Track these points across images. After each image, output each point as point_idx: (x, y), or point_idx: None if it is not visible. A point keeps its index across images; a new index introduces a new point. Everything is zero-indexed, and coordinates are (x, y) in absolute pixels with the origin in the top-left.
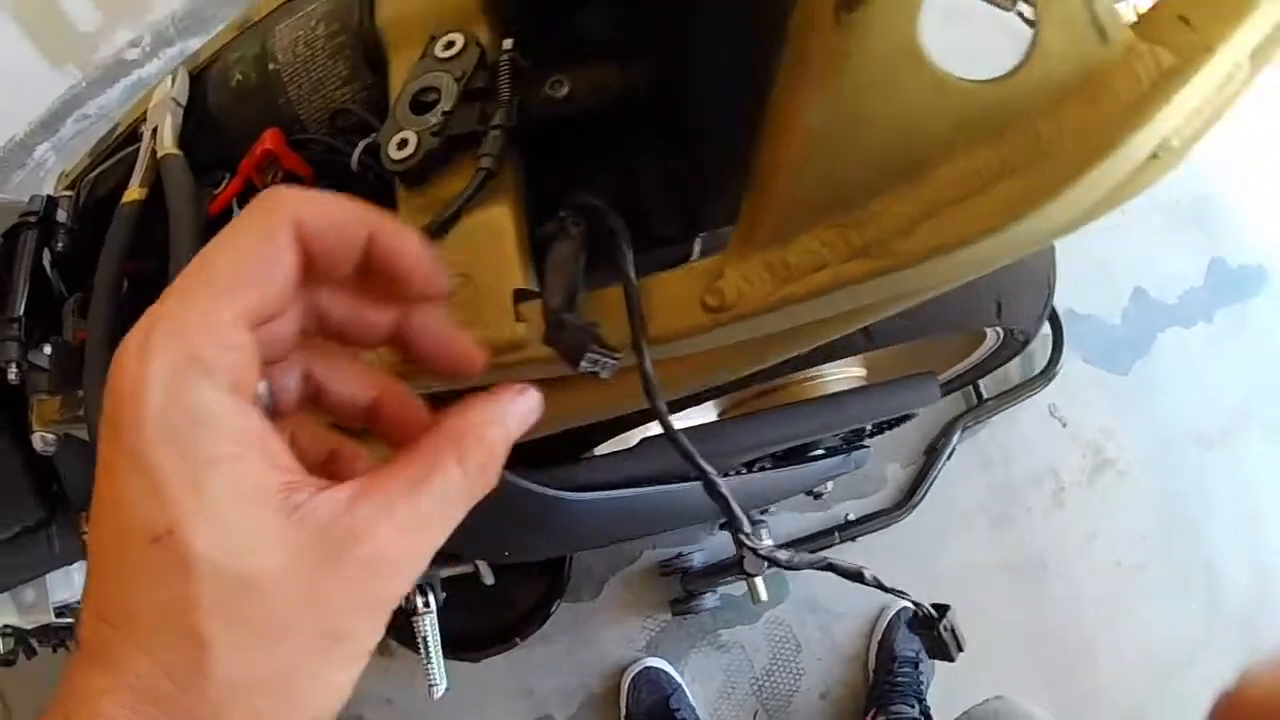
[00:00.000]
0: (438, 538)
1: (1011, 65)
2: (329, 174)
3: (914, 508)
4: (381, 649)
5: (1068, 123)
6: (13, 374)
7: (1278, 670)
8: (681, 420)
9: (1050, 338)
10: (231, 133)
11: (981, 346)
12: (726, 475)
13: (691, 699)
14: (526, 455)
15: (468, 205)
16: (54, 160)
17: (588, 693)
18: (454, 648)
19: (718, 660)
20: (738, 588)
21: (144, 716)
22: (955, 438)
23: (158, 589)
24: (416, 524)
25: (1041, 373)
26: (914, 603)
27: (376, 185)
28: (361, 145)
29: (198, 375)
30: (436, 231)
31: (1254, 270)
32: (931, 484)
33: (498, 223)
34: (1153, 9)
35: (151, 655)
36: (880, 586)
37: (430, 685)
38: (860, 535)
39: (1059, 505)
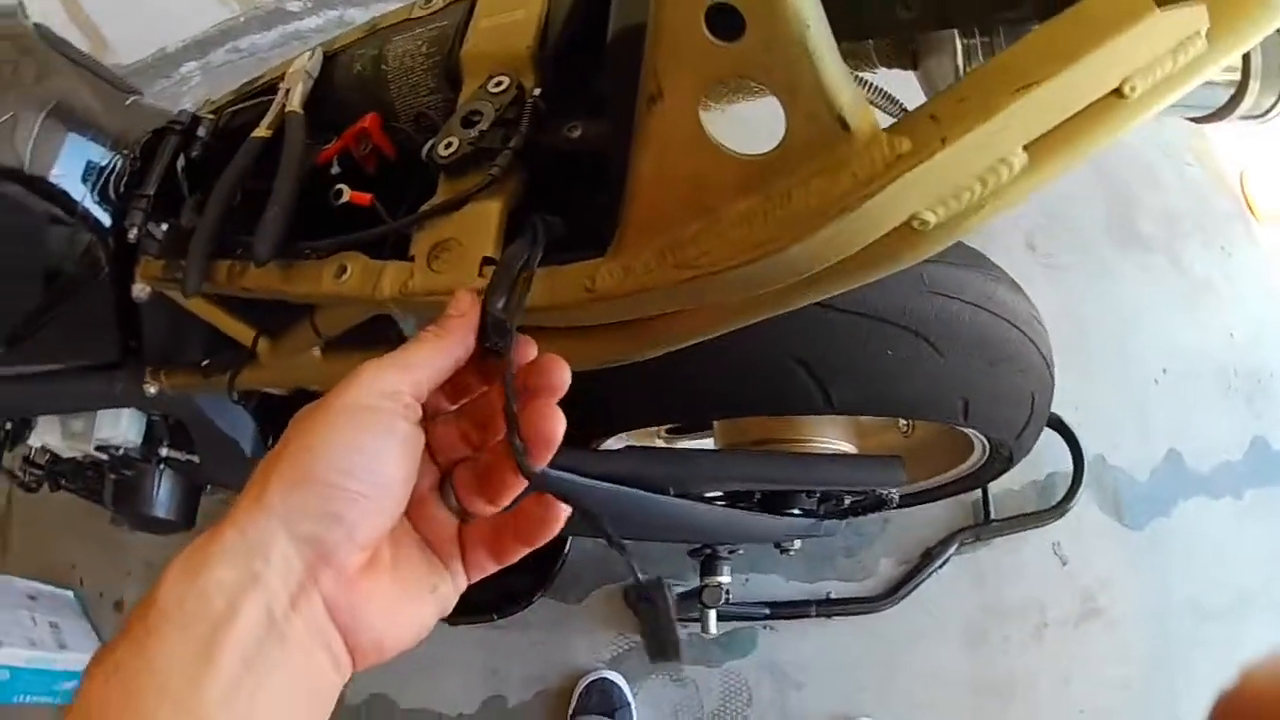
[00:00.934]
0: (405, 355)
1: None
2: (405, 157)
3: (895, 603)
4: None
5: (812, 190)
6: (132, 234)
7: (1277, 668)
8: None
9: (1070, 475)
10: (343, 107)
11: (971, 457)
12: (705, 500)
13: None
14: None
15: (475, 195)
16: (199, 79)
17: (545, 686)
18: None
19: (671, 692)
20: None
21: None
22: (952, 549)
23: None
24: (389, 361)
25: (1051, 507)
26: (633, 569)
27: (431, 172)
28: (430, 143)
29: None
30: (451, 207)
31: None
32: (917, 585)
33: (490, 211)
34: (913, 110)
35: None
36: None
37: None
38: (836, 614)
39: (1038, 640)
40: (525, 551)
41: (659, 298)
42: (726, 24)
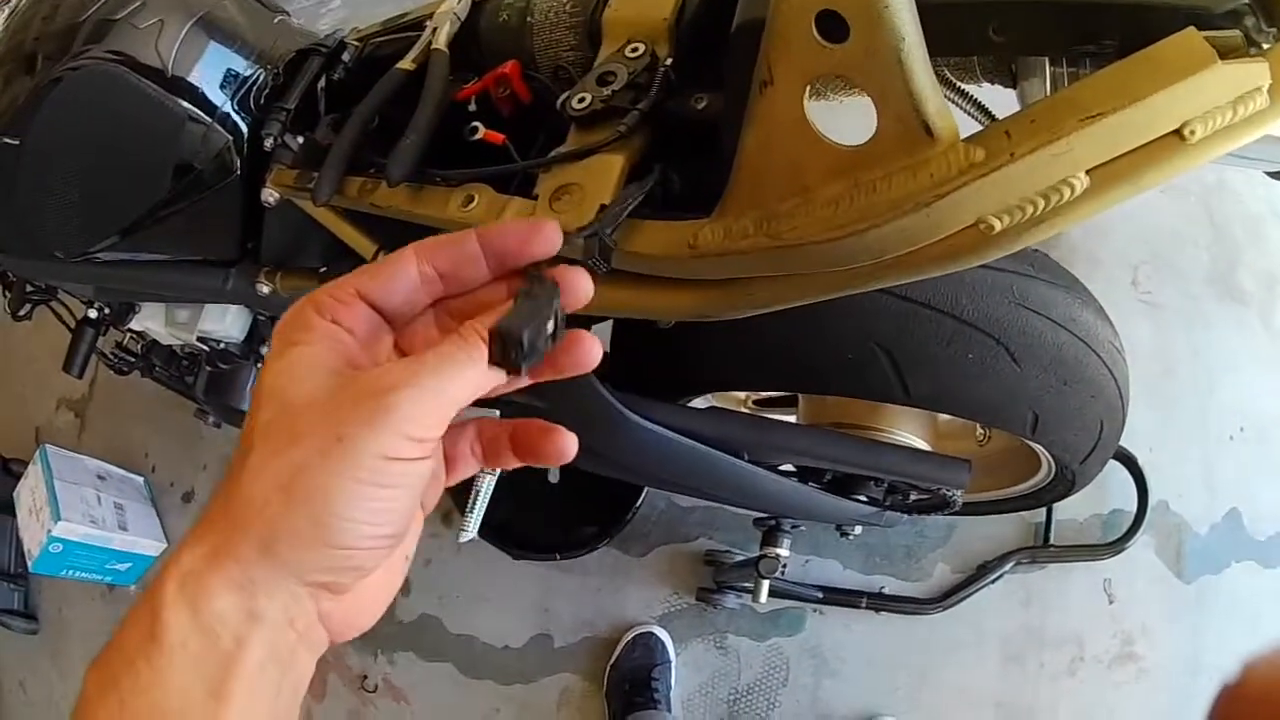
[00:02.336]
0: (432, 375)
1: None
2: (539, 104)
3: (943, 609)
4: (444, 520)
5: (895, 184)
6: (268, 143)
7: (1278, 663)
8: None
9: (1134, 515)
10: (486, 51)
11: (1036, 475)
12: (776, 470)
13: (673, 679)
14: (627, 380)
15: (602, 148)
16: (339, 4)
17: (593, 632)
18: (503, 538)
19: (713, 658)
20: (761, 604)
21: (204, 522)
22: (1007, 566)
23: (245, 424)
24: (413, 363)
25: (1109, 543)
26: None
27: (562, 124)
28: (565, 95)
29: (311, 306)
30: (580, 155)
31: None
32: (968, 596)
33: (613, 164)
34: (992, 124)
35: (224, 478)
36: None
37: (462, 530)
38: (884, 610)
39: (1071, 674)
40: (516, 464)
41: (750, 261)
42: (833, 28)
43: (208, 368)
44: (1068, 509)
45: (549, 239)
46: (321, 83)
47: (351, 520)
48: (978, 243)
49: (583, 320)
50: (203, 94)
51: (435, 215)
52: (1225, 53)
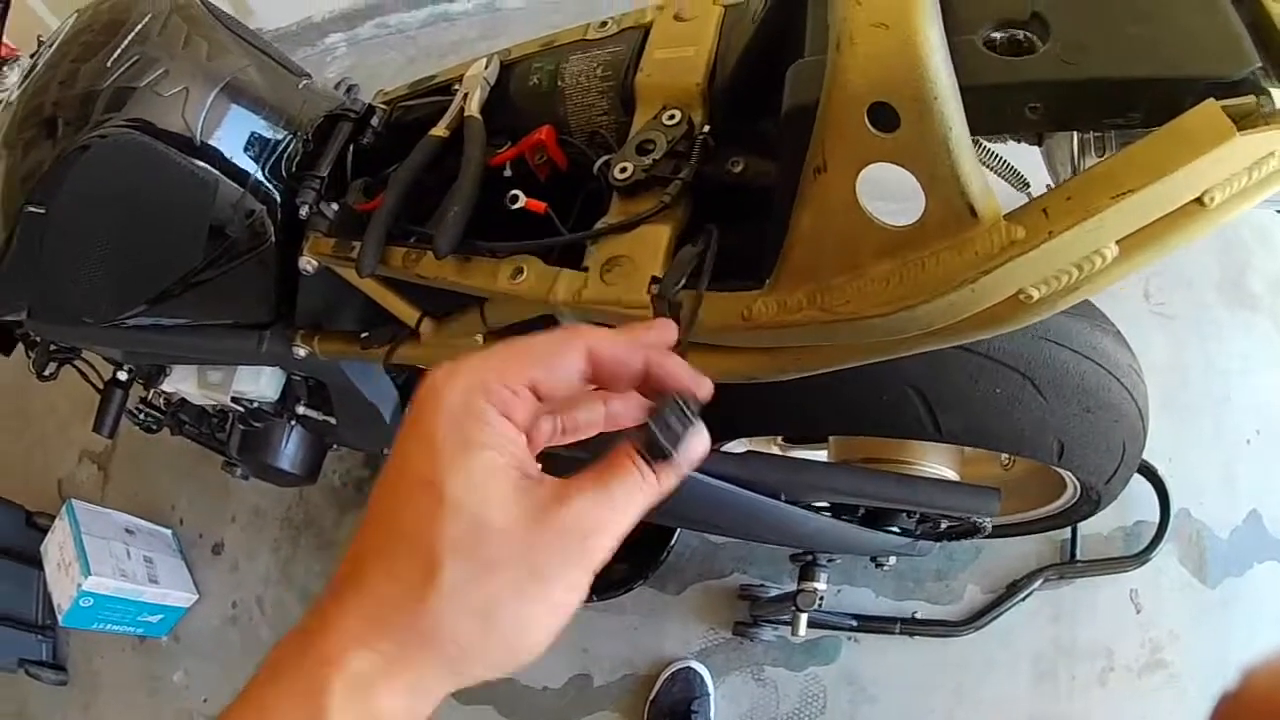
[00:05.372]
0: (620, 513)
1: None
2: (575, 169)
3: (975, 629)
4: None
5: (942, 262)
6: (303, 212)
7: (1278, 669)
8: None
9: (1156, 525)
10: (518, 115)
11: (1062, 497)
12: (811, 508)
13: (712, 712)
14: None
15: (647, 219)
16: (344, 51)
17: (632, 670)
18: None
19: (751, 690)
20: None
21: (376, 623)
22: (1036, 584)
23: (414, 521)
24: (604, 500)
25: (1134, 555)
26: None
27: (599, 189)
28: (602, 160)
29: (484, 396)
30: (625, 228)
31: None
32: (999, 615)
33: (660, 234)
34: (1030, 202)
35: (393, 575)
36: None
37: None
38: (917, 634)
39: (1102, 684)
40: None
41: (802, 333)
42: (885, 118)
43: (240, 426)
44: (1092, 524)
45: (706, 388)
46: (351, 148)
47: (539, 643)
48: (1016, 311)
49: None
50: (233, 162)
51: (484, 287)
52: (1241, 119)
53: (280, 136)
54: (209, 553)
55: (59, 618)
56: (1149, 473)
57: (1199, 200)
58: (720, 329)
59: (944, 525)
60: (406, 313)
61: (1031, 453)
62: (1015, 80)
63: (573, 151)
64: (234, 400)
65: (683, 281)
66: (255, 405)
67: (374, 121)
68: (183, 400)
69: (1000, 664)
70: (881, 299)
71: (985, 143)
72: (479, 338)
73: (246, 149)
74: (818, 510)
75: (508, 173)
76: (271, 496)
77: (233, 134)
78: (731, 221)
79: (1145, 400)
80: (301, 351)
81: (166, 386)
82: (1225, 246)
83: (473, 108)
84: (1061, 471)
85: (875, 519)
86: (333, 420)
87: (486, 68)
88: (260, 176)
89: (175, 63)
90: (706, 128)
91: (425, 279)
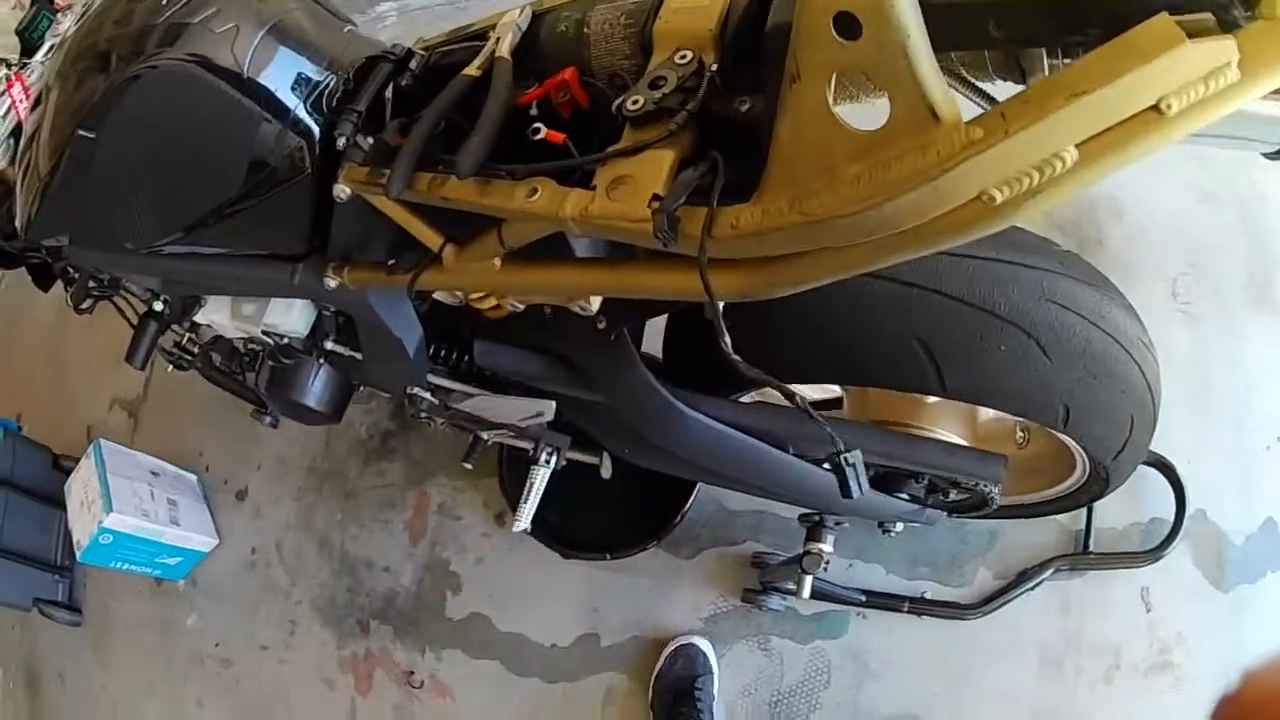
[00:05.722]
0: None
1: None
2: (596, 108)
3: (983, 614)
4: (497, 520)
5: (906, 162)
6: (341, 142)
7: (1278, 672)
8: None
9: (1171, 523)
10: (546, 60)
11: (1072, 475)
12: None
13: (715, 688)
14: (681, 377)
15: (653, 144)
16: (394, 19)
17: (640, 633)
18: (554, 537)
19: (756, 660)
20: (805, 606)
21: None
22: (1047, 573)
23: None
24: None
25: (1147, 551)
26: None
27: (617, 124)
28: (620, 99)
29: None
30: (634, 150)
31: None
32: (1008, 602)
33: (664, 158)
34: (992, 108)
35: None
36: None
37: (517, 520)
38: (925, 614)
39: (1108, 681)
40: None
41: (785, 237)
42: (849, 27)
43: (270, 363)
44: (1107, 518)
45: None
46: (389, 88)
47: None
48: (982, 214)
49: (643, 309)
50: (277, 96)
51: (502, 206)
52: (1197, 34)
53: (322, 76)
54: (233, 498)
55: (78, 554)
56: (1166, 469)
57: (1156, 109)
58: (715, 239)
59: (952, 495)
60: (431, 238)
61: (1037, 414)
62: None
63: (594, 92)
64: (265, 333)
65: (683, 198)
66: (285, 340)
67: (412, 65)
68: (215, 338)
69: (1006, 651)
70: (851, 198)
71: (973, 80)
72: (496, 261)
73: (289, 85)
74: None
75: (534, 112)
76: (298, 446)
77: (278, 71)
78: (737, 155)
79: (1156, 377)
80: (332, 282)
81: (200, 318)
82: (1254, 250)
83: (503, 50)
84: (1070, 443)
85: (884, 483)
86: (359, 356)
87: (520, 14)
88: (301, 111)
89: (227, 3)
90: (715, 66)
91: (449, 201)
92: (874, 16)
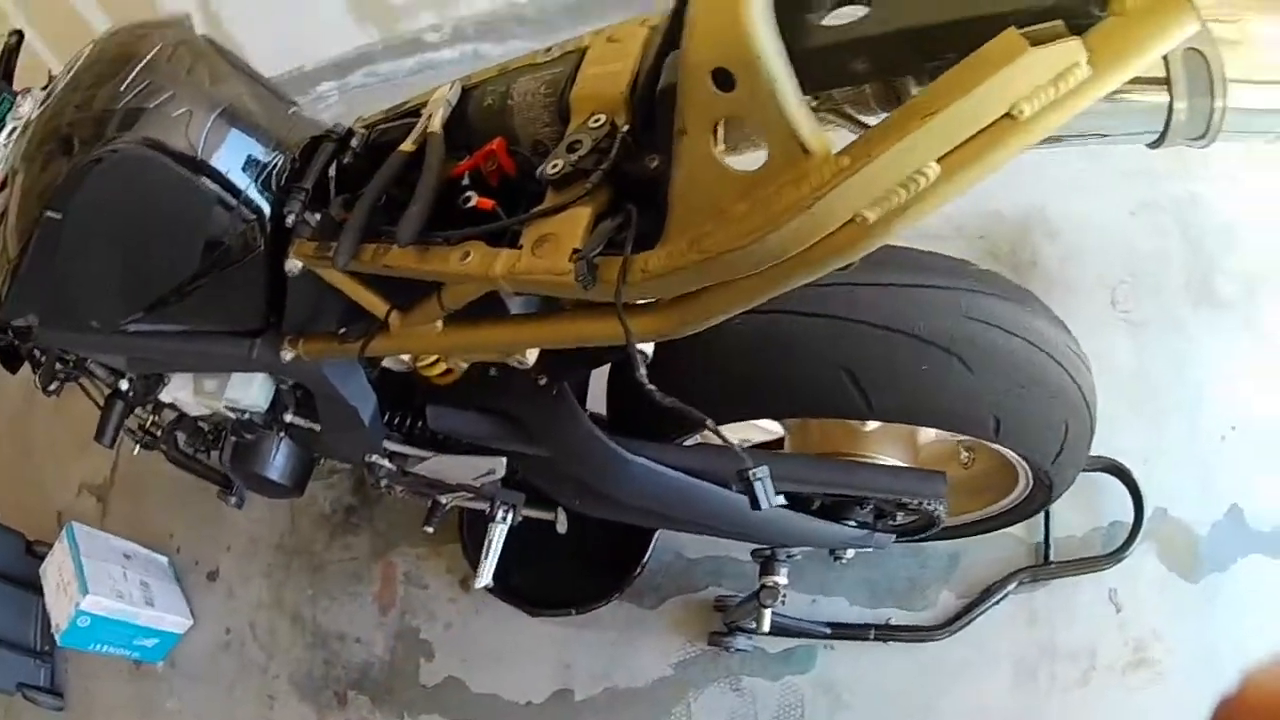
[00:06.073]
0: None
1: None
2: (522, 175)
3: (950, 633)
4: (462, 584)
5: (784, 195)
6: (290, 219)
7: (1278, 673)
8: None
9: (1131, 525)
10: (475, 132)
11: (1017, 488)
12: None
13: None
14: (625, 424)
15: (572, 203)
16: (336, 99)
17: (612, 684)
18: (519, 596)
19: (729, 701)
20: (772, 644)
21: None
22: (1010, 587)
23: None
24: None
25: (1109, 554)
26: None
27: (541, 189)
28: (543, 164)
29: None
30: (554, 210)
31: None
32: (973, 619)
33: (581, 215)
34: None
35: None
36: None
37: (478, 578)
38: (892, 639)
39: (1084, 684)
40: None
41: (689, 276)
42: (725, 80)
43: (233, 438)
44: (1066, 527)
45: None
46: (333, 166)
47: None
48: (858, 235)
49: (580, 361)
50: (229, 177)
51: (439, 270)
52: (1047, 41)
53: (270, 156)
54: (204, 579)
55: (57, 638)
56: (1119, 472)
57: (1009, 115)
58: (629, 284)
59: (900, 517)
60: (378, 305)
61: (968, 428)
62: (842, 40)
63: (520, 159)
64: (227, 409)
65: (599, 249)
66: (246, 415)
67: (353, 143)
68: (179, 417)
69: (978, 667)
70: (740, 233)
71: (857, 116)
72: (438, 324)
73: (242, 166)
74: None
75: (465, 182)
76: (265, 524)
77: (230, 153)
78: (650, 207)
79: (1088, 382)
80: (289, 355)
81: (165, 396)
82: (1192, 251)
83: (435, 125)
84: (1008, 454)
85: (831, 511)
86: (318, 428)
87: (450, 90)
88: (252, 191)
89: (181, 88)
90: (626, 127)
91: (392, 269)
92: (745, 69)
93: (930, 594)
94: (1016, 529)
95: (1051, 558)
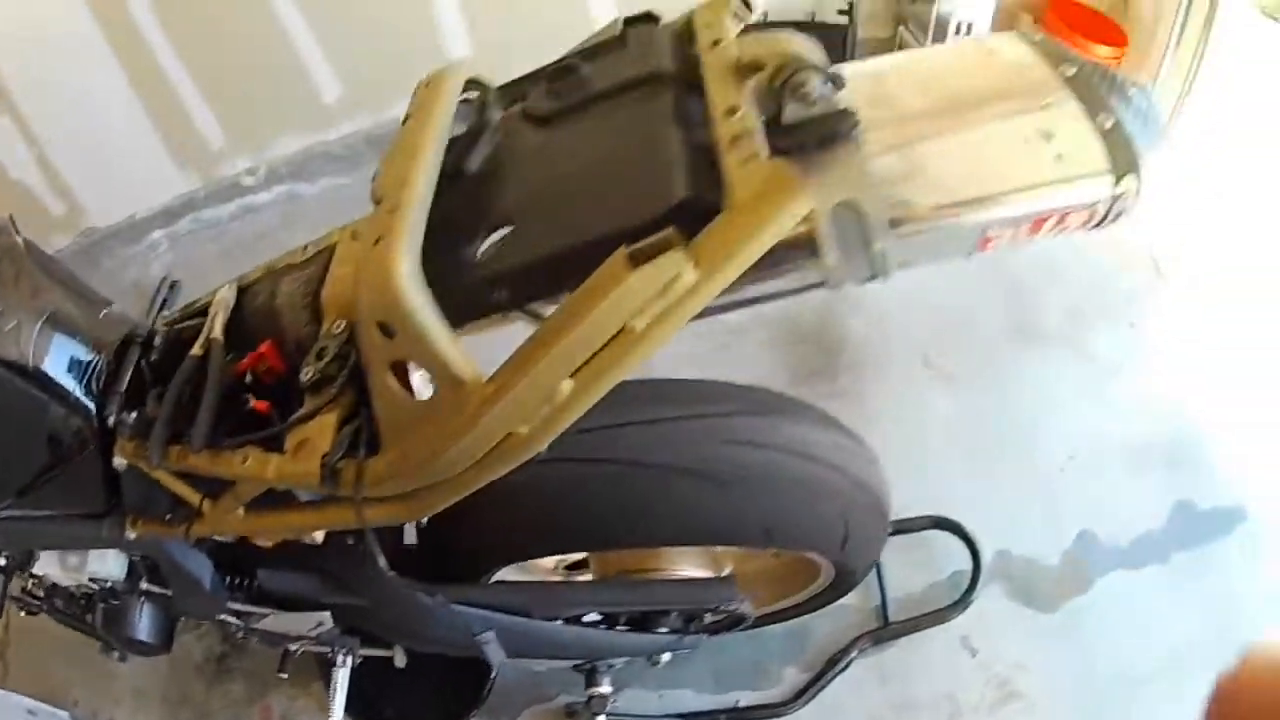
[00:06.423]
0: None
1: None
2: (293, 373)
3: (800, 706)
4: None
5: (448, 419)
6: (111, 420)
7: (1275, 656)
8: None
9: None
10: (252, 332)
11: (820, 575)
12: (578, 623)
13: None
14: (430, 569)
15: (322, 410)
16: (166, 246)
17: None
18: None
19: None
20: None
21: None
22: (853, 654)
23: None
24: None
25: (950, 605)
26: None
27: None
28: (306, 368)
29: None
30: (308, 418)
31: (1227, 511)
32: (821, 689)
33: (329, 421)
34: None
35: None
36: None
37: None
38: None
39: None
40: None
41: (405, 479)
42: (388, 330)
43: (101, 604)
44: (903, 583)
45: None
46: (144, 364)
47: None
48: (517, 445)
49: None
50: (58, 382)
51: (227, 471)
52: (660, 252)
53: (90, 358)
54: None
55: None
56: (948, 525)
57: (624, 330)
58: (366, 484)
59: (708, 619)
60: (191, 495)
61: (739, 541)
62: (481, 277)
63: (291, 359)
64: (91, 580)
65: (339, 456)
66: (109, 584)
67: (156, 343)
68: (53, 585)
69: None
70: (429, 450)
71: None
72: (240, 511)
73: (67, 370)
74: (588, 624)
75: (249, 379)
76: (149, 678)
77: (56, 359)
78: None
79: (867, 472)
80: (132, 534)
81: (37, 569)
82: (1012, 291)
83: (217, 329)
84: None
85: (641, 623)
86: (170, 593)
87: (228, 292)
88: (79, 393)
89: (7, 302)
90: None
91: (192, 469)
92: (400, 323)
93: (775, 672)
94: (851, 597)
95: (890, 618)
